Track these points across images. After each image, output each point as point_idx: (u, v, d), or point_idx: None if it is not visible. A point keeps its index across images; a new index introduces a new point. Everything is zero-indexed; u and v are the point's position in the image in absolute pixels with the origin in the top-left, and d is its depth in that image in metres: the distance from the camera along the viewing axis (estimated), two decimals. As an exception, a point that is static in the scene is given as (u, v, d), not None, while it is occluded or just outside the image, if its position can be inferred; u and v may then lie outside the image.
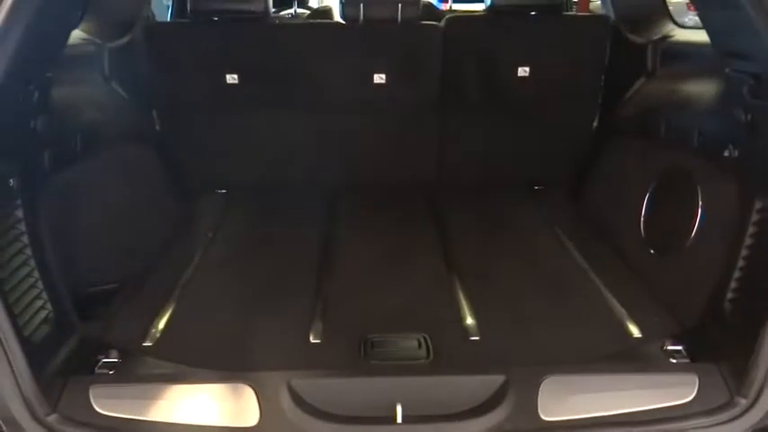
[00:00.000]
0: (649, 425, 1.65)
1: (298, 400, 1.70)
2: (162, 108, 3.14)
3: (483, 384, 1.74)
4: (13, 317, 1.60)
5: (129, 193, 2.54)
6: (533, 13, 3.05)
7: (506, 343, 2.03)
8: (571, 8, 4.58)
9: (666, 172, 2.46)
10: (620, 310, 2.19)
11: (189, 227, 2.98)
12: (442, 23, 3.10)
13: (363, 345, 1.98)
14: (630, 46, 3.01)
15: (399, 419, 1.65)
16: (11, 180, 1.72)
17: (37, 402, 1.59)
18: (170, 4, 4.06)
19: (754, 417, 1.63)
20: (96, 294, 2.21)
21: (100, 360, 1.89)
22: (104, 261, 2.29)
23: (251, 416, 1.66)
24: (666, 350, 1.94)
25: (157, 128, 3.15)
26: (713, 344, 1.87)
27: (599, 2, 5.33)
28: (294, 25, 3.95)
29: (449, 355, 1.95)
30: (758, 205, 1.82)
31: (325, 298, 2.30)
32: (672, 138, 2.47)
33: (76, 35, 2.62)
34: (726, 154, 2.00)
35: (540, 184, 3.35)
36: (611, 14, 3.13)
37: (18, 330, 1.61)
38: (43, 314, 1.80)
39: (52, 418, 1.62)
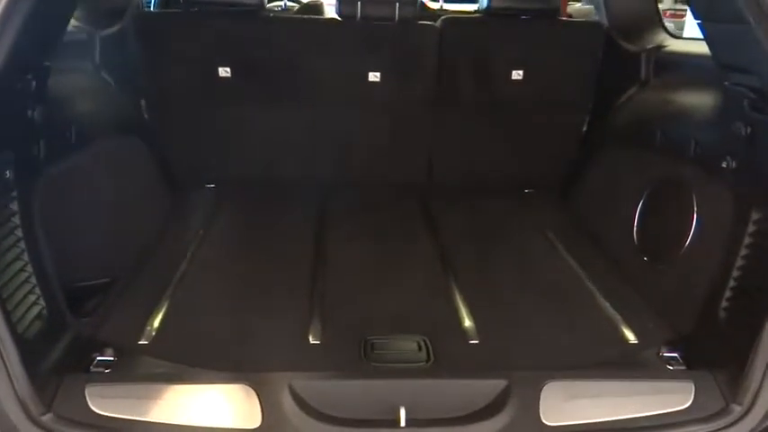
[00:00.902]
0: (649, 431, 1.67)
1: (300, 402, 1.68)
2: (151, 99, 3.06)
3: (485, 388, 1.75)
4: (6, 312, 1.56)
5: (119, 186, 2.47)
6: (528, 17, 3.06)
7: (505, 347, 2.04)
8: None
9: (662, 180, 2.49)
10: (615, 316, 2.22)
11: (180, 221, 2.92)
12: (439, 24, 3.10)
13: (363, 346, 1.97)
14: (624, 54, 3.04)
15: (403, 423, 1.65)
16: (7, 171, 1.67)
17: (31, 402, 1.55)
18: None
19: (749, 424, 1.66)
20: (87, 289, 2.15)
21: (95, 358, 1.85)
22: (95, 255, 2.23)
23: (253, 418, 1.63)
24: (662, 357, 1.97)
25: (146, 117, 3.08)
26: (708, 351, 1.90)
27: (578, 5, 5.43)
28: (290, 20, 3.88)
29: (449, 358, 1.94)
30: (755, 216, 1.86)
31: (321, 298, 2.28)
32: (667, 147, 2.50)
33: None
34: (723, 165, 2.03)
35: (530, 187, 3.38)
36: (605, 21, 3.16)
37: (11, 326, 1.56)
38: (36, 310, 1.75)
39: (47, 418, 1.57)
